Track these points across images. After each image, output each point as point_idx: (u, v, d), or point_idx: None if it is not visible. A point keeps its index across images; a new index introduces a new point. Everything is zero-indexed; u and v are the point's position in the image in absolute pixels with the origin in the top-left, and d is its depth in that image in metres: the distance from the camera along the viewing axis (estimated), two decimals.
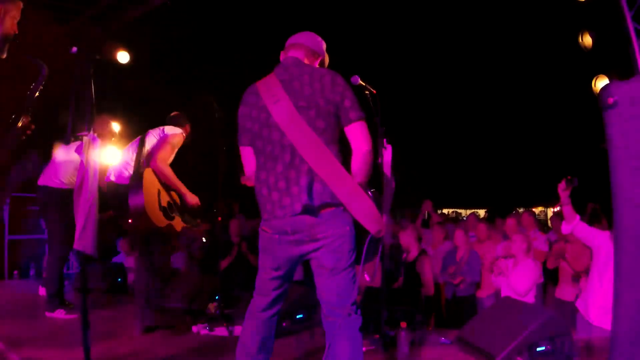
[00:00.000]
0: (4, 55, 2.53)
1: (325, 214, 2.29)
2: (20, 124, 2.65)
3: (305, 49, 2.55)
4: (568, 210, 4.07)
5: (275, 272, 2.44)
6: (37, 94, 2.72)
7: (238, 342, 2.50)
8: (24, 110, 2.69)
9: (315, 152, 2.26)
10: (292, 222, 2.31)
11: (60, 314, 4.72)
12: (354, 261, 2.35)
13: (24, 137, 2.68)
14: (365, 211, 2.24)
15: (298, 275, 6.06)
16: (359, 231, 2.32)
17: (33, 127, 2.67)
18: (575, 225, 4.08)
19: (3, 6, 2.47)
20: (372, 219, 2.25)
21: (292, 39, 2.59)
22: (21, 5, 2.58)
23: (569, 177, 3.96)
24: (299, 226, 2.31)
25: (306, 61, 2.52)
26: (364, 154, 2.32)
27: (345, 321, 2.30)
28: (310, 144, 2.27)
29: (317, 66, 2.58)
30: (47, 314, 4.72)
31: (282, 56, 2.59)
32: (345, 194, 2.23)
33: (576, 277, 5.04)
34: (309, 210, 2.27)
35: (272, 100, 2.35)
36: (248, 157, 2.54)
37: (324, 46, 2.65)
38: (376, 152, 3.49)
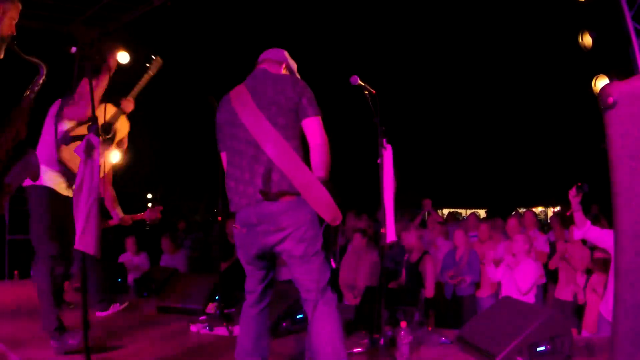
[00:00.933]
0: (1, 56, 2.53)
1: (285, 202, 2.48)
2: (17, 124, 2.65)
3: (269, 61, 2.83)
4: (579, 216, 4.07)
5: (251, 266, 2.70)
6: (35, 94, 2.71)
7: (236, 343, 2.74)
8: (22, 110, 2.69)
9: (275, 145, 2.49)
10: (256, 211, 2.51)
11: (115, 308, 4.82)
12: (321, 246, 2.54)
13: (22, 137, 2.68)
14: (320, 200, 2.43)
15: None
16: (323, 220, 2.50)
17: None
18: (586, 231, 4.07)
19: (2, 6, 2.47)
20: (327, 207, 2.43)
21: (260, 58, 2.88)
22: (20, 6, 2.58)
23: (579, 184, 3.96)
24: (263, 216, 2.50)
25: (272, 70, 2.78)
26: (316, 146, 2.55)
27: (322, 300, 2.50)
28: (270, 137, 2.50)
29: (284, 71, 2.86)
30: (100, 314, 4.73)
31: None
32: (301, 183, 2.44)
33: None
34: (267, 195, 2.47)
35: (240, 103, 2.63)
36: (225, 161, 2.78)
37: (286, 53, 2.91)
38: (377, 152, 3.51)
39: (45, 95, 2.90)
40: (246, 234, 2.59)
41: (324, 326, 2.49)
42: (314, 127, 2.58)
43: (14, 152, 2.71)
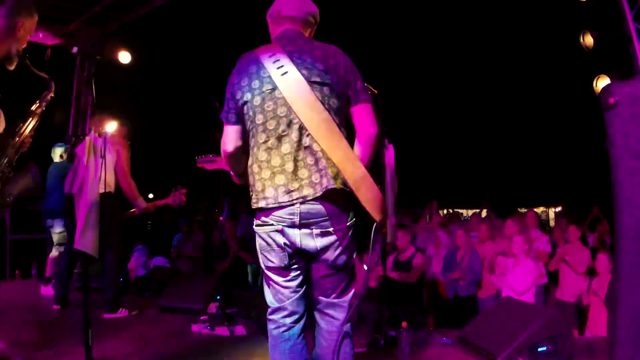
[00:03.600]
0: (12, 68, 2.52)
1: (336, 202, 2.10)
2: (22, 137, 2.65)
3: (303, 21, 2.33)
4: None
5: (285, 273, 2.18)
6: (42, 109, 2.71)
7: None
8: (27, 124, 2.69)
9: (329, 133, 2.06)
10: (300, 211, 2.08)
11: (123, 313, 4.77)
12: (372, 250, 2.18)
13: (25, 150, 2.68)
14: (373, 199, 2.07)
15: None
16: (363, 221, 2.17)
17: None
18: None
19: (22, 21, 2.46)
20: (378, 207, 2.08)
21: (287, 10, 2.32)
22: (37, 19, 2.56)
23: None
24: (309, 216, 2.08)
25: (306, 34, 2.34)
26: (370, 136, 2.17)
27: (347, 324, 2.22)
28: (323, 123, 2.06)
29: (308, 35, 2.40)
30: (107, 316, 4.70)
31: (274, 26, 2.38)
32: (355, 179, 2.05)
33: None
34: (324, 196, 2.07)
35: (279, 71, 2.11)
36: (234, 136, 2.24)
37: (318, 13, 2.41)
38: (378, 152, 3.49)
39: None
40: (280, 233, 2.12)
41: (347, 351, 2.21)
42: (368, 115, 2.18)
43: (16, 164, 2.71)
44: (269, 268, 2.22)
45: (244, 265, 7.02)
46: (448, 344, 3.81)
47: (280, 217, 2.11)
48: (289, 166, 2.08)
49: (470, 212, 13.89)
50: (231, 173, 2.49)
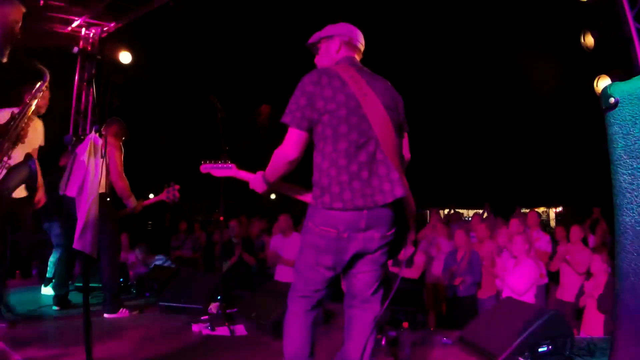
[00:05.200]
0: (5, 59, 2.50)
1: (395, 210, 2.43)
2: (18, 129, 2.65)
3: (361, 52, 2.70)
4: None
5: (329, 273, 2.45)
6: (36, 99, 2.70)
7: (286, 350, 2.48)
8: (22, 116, 2.68)
9: (395, 151, 2.44)
10: (370, 216, 2.35)
11: (123, 313, 4.74)
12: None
13: (22, 142, 2.68)
14: (414, 211, 2.50)
15: None
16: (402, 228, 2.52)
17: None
18: None
19: (2, 10, 2.43)
20: (414, 218, 2.52)
21: (357, 41, 2.67)
22: (23, 8, 2.53)
23: None
24: (375, 221, 2.37)
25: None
26: (408, 161, 2.68)
27: (375, 320, 2.49)
28: (393, 142, 2.44)
29: None
30: (108, 316, 4.66)
31: (343, 48, 2.64)
32: (406, 192, 2.41)
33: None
34: (391, 203, 2.37)
35: (361, 92, 2.41)
36: (302, 143, 2.42)
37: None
38: None
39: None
40: (345, 239, 2.36)
41: (370, 346, 2.49)
42: (407, 142, 2.67)
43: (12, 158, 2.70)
44: (314, 265, 2.44)
45: (246, 265, 7.02)
46: (448, 344, 3.82)
47: (348, 221, 2.34)
48: (364, 174, 2.36)
49: (472, 212, 13.88)
50: (249, 182, 2.68)
